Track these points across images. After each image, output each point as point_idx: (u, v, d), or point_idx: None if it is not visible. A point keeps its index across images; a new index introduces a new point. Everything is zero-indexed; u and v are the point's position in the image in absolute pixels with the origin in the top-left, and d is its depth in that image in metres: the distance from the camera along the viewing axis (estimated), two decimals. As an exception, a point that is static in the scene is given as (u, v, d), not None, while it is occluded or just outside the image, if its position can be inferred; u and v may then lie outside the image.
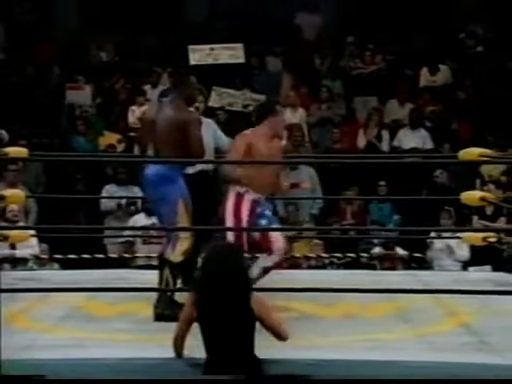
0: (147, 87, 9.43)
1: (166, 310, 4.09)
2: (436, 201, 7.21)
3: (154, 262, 7.11)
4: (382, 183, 7.91)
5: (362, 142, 8.94)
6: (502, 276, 5.41)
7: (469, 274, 5.43)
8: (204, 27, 10.22)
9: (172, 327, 3.42)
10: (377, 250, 7.57)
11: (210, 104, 9.19)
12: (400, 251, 7.47)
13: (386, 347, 3.72)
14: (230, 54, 9.30)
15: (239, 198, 4.35)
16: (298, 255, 7.35)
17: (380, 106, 9.29)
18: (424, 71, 9.41)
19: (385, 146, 8.82)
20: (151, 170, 4.25)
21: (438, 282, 5.10)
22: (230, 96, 9.16)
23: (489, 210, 7.19)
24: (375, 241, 7.64)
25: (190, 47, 9.39)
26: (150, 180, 4.26)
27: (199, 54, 9.41)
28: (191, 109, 4.45)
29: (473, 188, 6.40)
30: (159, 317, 4.10)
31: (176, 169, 4.23)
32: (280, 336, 3.16)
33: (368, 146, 8.80)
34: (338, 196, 8.19)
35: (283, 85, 9.61)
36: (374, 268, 7.27)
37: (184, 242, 4.19)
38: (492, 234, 5.55)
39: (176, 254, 4.18)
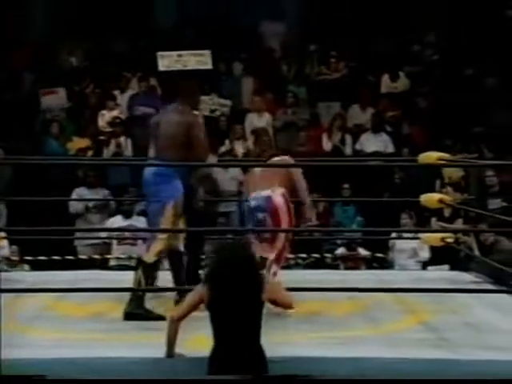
0: (117, 92, 9.41)
1: (136, 309, 4.12)
2: (397, 203, 7.31)
3: (128, 263, 7.13)
4: (346, 186, 7.98)
5: (326, 145, 9.02)
6: (458, 275, 5.51)
7: (427, 274, 5.52)
8: (173, 33, 10.23)
9: (143, 325, 3.44)
10: (340, 250, 7.64)
11: (179, 107, 9.24)
12: (362, 252, 7.55)
13: (348, 344, 3.77)
14: (198, 60, 9.31)
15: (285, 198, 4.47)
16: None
17: (343, 111, 9.38)
18: (385, 78, 9.53)
19: (348, 150, 8.91)
20: (150, 169, 4.31)
21: (398, 281, 5.17)
22: (197, 101, 9.18)
23: (447, 212, 7.31)
24: (339, 242, 7.71)
25: (159, 53, 9.38)
26: (147, 178, 4.31)
27: (168, 60, 9.40)
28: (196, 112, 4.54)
29: (432, 191, 6.50)
30: (128, 316, 4.12)
31: (174, 170, 4.26)
32: (290, 306, 3.35)
33: (333, 150, 8.89)
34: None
35: (245, 89, 9.66)
36: (337, 268, 7.33)
37: (159, 243, 4.21)
38: (450, 234, 5.67)
39: (150, 255, 4.20)
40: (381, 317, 4.33)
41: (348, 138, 9.01)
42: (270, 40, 10.37)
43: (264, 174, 4.53)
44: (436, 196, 5.67)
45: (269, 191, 4.45)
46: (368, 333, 4.03)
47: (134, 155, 8.55)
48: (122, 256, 7.39)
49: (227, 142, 8.90)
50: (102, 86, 9.46)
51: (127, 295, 4.24)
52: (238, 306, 3.13)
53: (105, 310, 4.33)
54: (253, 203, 4.46)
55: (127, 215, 7.78)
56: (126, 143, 8.84)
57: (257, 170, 4.63)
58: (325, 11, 10.25)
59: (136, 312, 4.11)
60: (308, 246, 7.61)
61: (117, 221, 7.69)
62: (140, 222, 7.70)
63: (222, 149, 8.75)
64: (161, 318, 4.06)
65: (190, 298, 3.28)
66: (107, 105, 9.09)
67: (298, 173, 4.56)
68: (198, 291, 3.25)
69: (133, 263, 7.30)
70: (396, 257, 7.08)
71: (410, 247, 6.99)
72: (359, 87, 9.45)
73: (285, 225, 4.44)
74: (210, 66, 9.43)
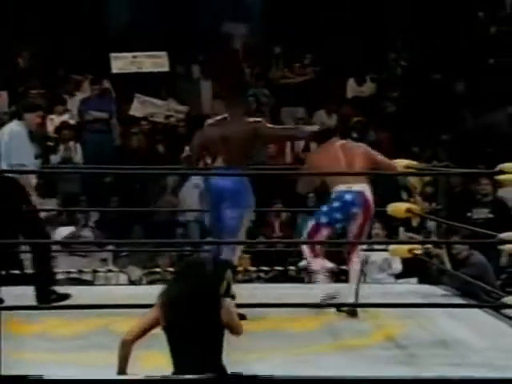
0: (67, 96, 9.34)
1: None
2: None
3: (79, 276, 7.07)
4: (311, 195, 8.02)
5: (290, 153, 9.06)
6: (427, 288, 5.57)
7: (396, 287, 5.57)
8: (127, 34, 10.18)
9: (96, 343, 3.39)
10: (304, 262, 7.65)
11: (132, 113, 9.18)
12: (328, 264, 7.55)
13: (312, 362, 3.79)
14: (154, 62, 9.31)
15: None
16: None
17: (307, 116, 9.43)
18: (351, 82, 9.61)
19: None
20: (226, 182, 4.64)
21: (366, 294, 5.20)
22: (152, 106, 9.16)
23: (415, 222, 7.38)
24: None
25: (112, 55, 9.35)
26: (227, 190, 4.65)
27: (122, 62, 9.37)
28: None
29: (400, 200, 6.56)
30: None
31: (249, 182, 4.69)
32: (238, 332, 3.30)
33: (296, 158, 8.93)
34: (266, 208, 8.28)
35: (202, 93, 9.66)
36: (301, 281, 7.35)
37: (239, 248, 4.78)
38: (418, 246, 5.73)
39: (236, 258, 4.68)
40: (346, 332, 4.37)
41: (313, 145, 9.04)
42: (232, 41, 10.39)
43: (347, 157, 4.89)
44: (404, 205, 5.73)
45: (361, 187, 4.78)
46: (333, 349, 4.06)
47: (85, 162, 8.48)
48: (73, 270, 7.33)
49: (187, 149, 8.88)
50: (51, 88, 9.39)
51: (78, 312, 4.21)
52: (197, 328, 3.12)
53: (51, 327, 4.30)
54: (348, 197, 4.77)
55: (78, 226, 7.73)
56: (76, 149, 8.77)
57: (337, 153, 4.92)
58: (290, 12, 10.31)
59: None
60: (271, 258, 7.64)
61: (64, 231, 7.62)
62: (90, 232, 7.65)
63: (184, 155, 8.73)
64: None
65: (145, 318, 3.25)
66: (56, 109, 9.02)
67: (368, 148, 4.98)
68: (154, 312, 3.22)
69: (87, 276, 7.28)
70: (367, 269, 7.12)
71: (381, 259, 7.02)
72: (325, 92, 9.52)
73: (368, 225, 4.88)
74: (166, 69, 9.44)
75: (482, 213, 7.22)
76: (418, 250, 5.65)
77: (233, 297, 4.64)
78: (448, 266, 5.99)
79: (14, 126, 5.22)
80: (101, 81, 9.28)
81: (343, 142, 5.09)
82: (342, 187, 4.80)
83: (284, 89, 9.75)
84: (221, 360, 3.18)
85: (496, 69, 9.46)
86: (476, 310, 4.76)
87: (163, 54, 9.35)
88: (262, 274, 7.49)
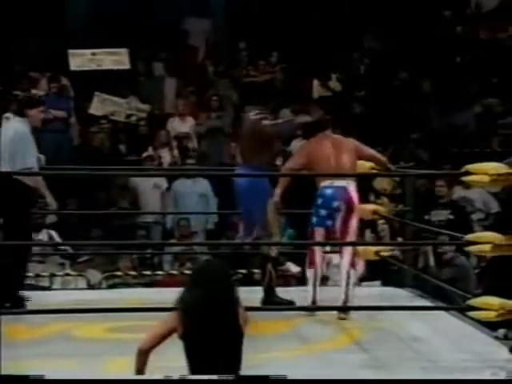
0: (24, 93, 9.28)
1: (272, 297, 4.96)
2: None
3: (34, 282, 7.05)
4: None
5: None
6: (390, 291, 5.68)
7: (359, 290, 5.66)
8: (85, 30, 10.14)
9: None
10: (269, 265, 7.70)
11: (91, 111, 9.16)
12: (292, 267, 7.63)
13: (279, 366, 3.86)
14: (114, 59, 9.30)
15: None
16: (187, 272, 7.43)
17: (272, 115, 9.47)
18: (316, 82, 9.66)
19: (278, 161, 8.98)
20: (247, 179, 5.09)
21: (330, 298, 5.28)
22: (113, 104, 9.14)
23: (381, 224, 7.49)
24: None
25: (70, 51, 9.30)
26: (242, 184, 5.06)
27: (80, 59, 9.34)
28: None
29: (367, 201, 6.65)
30: (266, 303, 4.93)
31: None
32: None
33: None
34: (231, 210, 8.32)
35: (167, 92, 9.67)
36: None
37: (276, 238, 5.07)
38: (384, 248, 5.84)
39: (273, 250, 5.03)
40: (313, 336, 4.44)
41: (278, 146, 9.10)
42: (193, 38, 10.41)
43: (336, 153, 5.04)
44: (370, 207, 5.83)
45: (344, 182, 4.93)
46: (299, 353, 4.13)
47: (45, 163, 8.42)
48: (30, 274, 7.30)
49: (150, 149, 8.90)
50: (7, 86, 9.33)
51: (37, 318, 4.23)
52: (217, 337, 3.07)
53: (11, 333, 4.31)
54: (328, 191, 4.97)
55: (36, 229, 7.69)
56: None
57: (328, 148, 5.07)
58: (255, 7, 10.35)
59: (272, 299, 4.93)
60: (235, 260, 7.68)
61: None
62: (47, 235, 7.62)
63: (144, 155, 8.75)
64: (291, 302, 4.95)
65: (160, 326, 3.16)
66: (11, 107, 8.95)
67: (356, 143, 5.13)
68: (170, 319, 3.14)
69: (46, 282, 7.25)
70: (330, 272, 7.21)
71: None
72: (290, 91, 9.58)
73: (354, 221, 4.95)
74: (127, 66, 9.44)
75: (442, 214, 7.39)
76: (385, 252, 5.76)
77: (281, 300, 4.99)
78: (432, 263, 6.11)
79: (18, 125, 5.13)
80: (59, 78, 9.25)
81: (334, 136, 5.22)
82: (325, 183, 4.98)
83: (248, 87, 9.79)
84: (240, 367, 3.13)
85: (462, 68, 9.62)
86: (442, 313, 4.87)
87: (123, 50, 9.33)
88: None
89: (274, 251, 5.12)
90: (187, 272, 6.63)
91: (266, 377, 3.03)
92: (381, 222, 7.29)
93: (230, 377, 2.98)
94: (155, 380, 3.01)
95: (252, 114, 5.25)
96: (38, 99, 5.38)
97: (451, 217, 7.36)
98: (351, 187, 4.97)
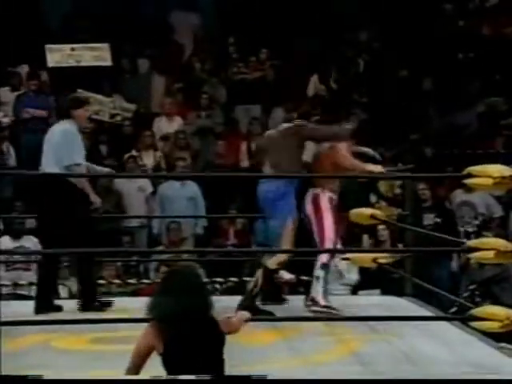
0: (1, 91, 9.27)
1: (251, 304, 5.05)
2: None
3: (18, 291, 7.03)
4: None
5: (245, 155, 9.11)
6: (390, 300, 5.69)
7: (357, 299, 5.68)
8: (64, 25, 10.10)
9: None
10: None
11: (73, 110, 9.13)
12: (286, 275, 7.62)
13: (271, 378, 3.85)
14: (95, 55, 9.25)
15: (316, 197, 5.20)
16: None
17: (263, 115, 9.49)
18: (314, 79, 9.66)
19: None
20: (268, 185, 5.14)
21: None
22: (96, 103, 9.11)
23: (380, 229, 7.50)
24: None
25: (47, 47, 9.25)
26: (266, 195, 5.16)
27: (59, 55, 9.29)
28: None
29: (367, 205, 6.65)
30: (245, 308, 4.79)
31: (291, 185, 5.09)
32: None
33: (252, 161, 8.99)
34: (221, 214, 8.33)
35: (154, 90, 9.66)
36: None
37: (283, 255, 5.13)
38: (383, 254, 5.84)
39: (273, 262, 5.10)
40: (307, 347, 4.45)
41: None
42: (181, 33, 10.41)
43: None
44: (367, 211, 5.84)
45: (319, 190, 5.19)
46: (293, 365, 4.13)
47: (19, 165, 8.41)
48: (8, 283, 7.28)
49: (134, 151, 8.89)
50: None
51: (16, 328, 4.22)
52: (199, 347, 3.07)
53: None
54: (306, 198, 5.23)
55: (16, 235, 7.67)
56: (10, 151, 8.69)
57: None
58: (245, 1, 10.35)
59: (249, 305, 4.96)
60: (226, 268, 7.69)
61: (4, 242, 7.57)
62: (31, 242, 7.60)
63: (127, 155, 8.74)
64: (270, 313, 5.00)
65: (137, 347, 3.14)
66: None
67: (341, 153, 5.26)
68: (146, 336, 3.12)
69: (24, 291, 7.24)
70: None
71: (336, 269, 7.13)
72: (283, 88, 9.58)
73: (327, 228, 5.16)
74: (108, 63, 9.39)
75: (428, 218, 7.44)
76: (383, 259, 5.76)
77: (266, 313, 5.02)
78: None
79: (64, 127, 5.40)
80: (38, 75, 9.22)
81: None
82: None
83: (239, 85, 9.80)
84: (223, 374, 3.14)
85: (464, 65, 9.65)
86: (443, 322, 4.89)
87: (105, 46, 9.28)
88: (216, 286, 7.54)
89: (273, 264, 5.15)
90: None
91: (248, 376, 3.10)
92: (381, 227, 7.31)
93: (214, 377, 3.01)
94: (155, 380, 3.03)
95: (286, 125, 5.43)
96: (82, 99, 5.64)
97: (438, 220, 7.42)
98: (324, 196, 5.22)
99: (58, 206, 5.23)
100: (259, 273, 5.16)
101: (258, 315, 4.89)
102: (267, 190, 5.18)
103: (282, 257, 5.18)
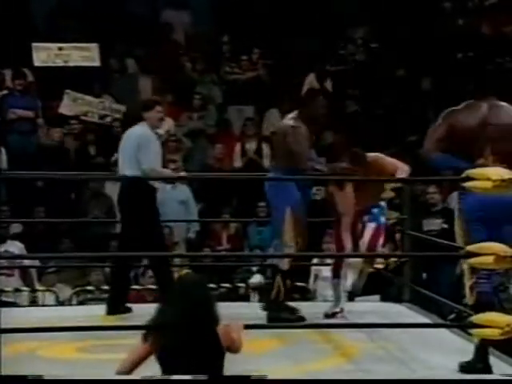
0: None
1: (281, 313, 5.07)
2: (319, 223, 7.46)
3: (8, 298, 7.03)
4: (262, 204, 8.10)
5: (239, 157, 9.12)
6: (389, 307, 5.71)
7: (355, 306, 5.68)
8: (51, 24, 10.08)
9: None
10: (255, 278, 7.72)
11: (61, 111, 9.14)
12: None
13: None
14: (83, 55, 9.26)
15: None
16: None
17: (257, 116, 9.50)
18: (311, 78, 9.65)
19: (266, 162, 9.01)
20: (271, 184, 5.26)
21: (320, 314, 5.32)
22: (85, 103, 9.12)
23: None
24: (254, 269, 7.81)
25: (34, 45, 9.25)
26: (266, 189, 5.25)
27: (46, 54, 9.29)
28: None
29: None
30: (272, 320, 5.03)
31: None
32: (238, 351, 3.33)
33: (247, 163, 9.00)
34: (213, 218, 8.34)
35: (142, 90, 9.66)
36: (249, 299, 7.40)
37: (290, 251, 5.15)
38: (380, 260, 5.86)
39: (284, 262, 5.14)
40: (305, 355, 4.46)
41: (266, 149, 9.11)
42: (172, 32, 10.42)
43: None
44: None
45: None
46: (290, 373, 4.14)
47: (10, 168, 8.39)
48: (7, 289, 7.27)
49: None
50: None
51: (8, 336, 4.21)
52: (196, 355, 3.09)
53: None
54: None
55: (0, 240, 7.67)
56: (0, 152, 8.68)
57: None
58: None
59: (280, 316, 5.06)
60: (218, 273, 7.70)
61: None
62: (15, 246, 7.60)
63: (114, 157, 8.73)
64: (302, 318, 5.11)
65: (135, 351, 3.19)
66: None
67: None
68: (142, 344, 3.17)
69: (10, 298, 7.23)
70: (318, 286, 7.22)
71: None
72: (278, 89, 9.59)
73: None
74: (97, 63, 9.40)
75: (435, 224, 7.43)
76: (380, 264, 5.78)
77: (293, 310, 5.13)
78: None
79: (140, 130, 5.61)
80: (24, 74, 9.21)
81: None
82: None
83: (232, 85, 9.81)
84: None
85: (465, 64, 9.68)
86: (442, 330, 4.90)
87: (93, 46, 9.29)
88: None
89: (285, 264, 5.17)
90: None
91: (247, 377, 3.13)
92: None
93: (214, 377, 3.04)
94: (154, 380, 3.05)
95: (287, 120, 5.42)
96: (153, 101, 5.84)
97: (445, 226, 7.42)
98: None
99: (135, 210, 5.48)
100: (278, 279, 5.18)
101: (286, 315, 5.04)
102: (268, 184, 5.29)
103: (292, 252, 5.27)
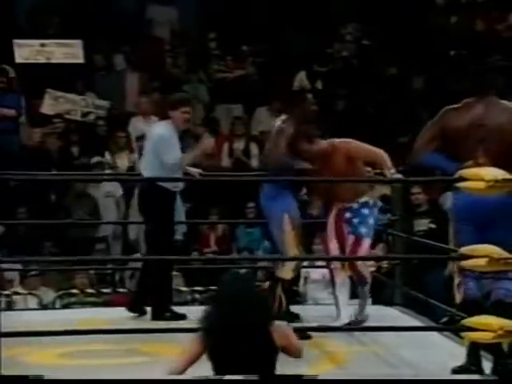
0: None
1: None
2: (309, 225, 7.47)
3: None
4: (251, 205, 8.11)
5: (226, 157, 9.12)
6: (380, 309, 5.71)
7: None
8: (33, 19, 10.04)
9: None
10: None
11: (43, 111, 9.11)
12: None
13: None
14: (66, 51, 9.23)
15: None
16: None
17: (245, 115, 9.50)
18: (301, 76, 9.65)
19: (254, 162, 9.02)
20: (264, 189, 5.21)
21: (311, 317, 5.32)
22: (67, 102, 9.10)
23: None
24: (243, 271, 7.81)
25: (15, 42, 9.22)
26: (261, 199, 5.21)
27: (27, 51, 9.26)
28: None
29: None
30: None
31: (283, 186, 5.10)
32: (300, 355, 3.31)
33: (235, 163, 9.00)
34: (200, 219, 8.33)
35: (128, 88, 9.65)
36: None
37: (292, 263, 5.07)
38: (371, 262, 5.87)
39: (286, 271, 5.04)
40: (292, 361, 4.45)
41: (254, 148, 9.12)
42: (158, 28, 10.41)
43: None
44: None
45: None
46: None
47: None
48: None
49: (106, 153, 8.87)
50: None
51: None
52: (245, 355, 3.10)
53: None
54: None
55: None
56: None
57: None
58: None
59: None
60: (207, 277, 7.70)
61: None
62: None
63: (94, 159, 8.71)
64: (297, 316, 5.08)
65: (188, 350, 3.20)
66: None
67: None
68: (195, 343, 3.19)
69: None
70: (308, 289, 7.23)
71: (322, 277, 7.15)
72: (267, 87, 9.59)
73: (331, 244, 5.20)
74: (80, 60, 9.37)
75: (421, 224, 7.46)
76: (372, 266, 5.79)
77: (296, 316, 5.11)
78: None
79: (163, 129, 5.57)
80: (6, 72, 9.18)
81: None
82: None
83: (220, 83, 9.81)
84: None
85: (458, 62, 9.70)
86: (434, 333, 4.91)
87: (77, 42, 9.27)
88: (196, 295, 7.54)
89: (288, 273, 5.09)
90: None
91: (299, 376, 3.20)
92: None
93: (266, 376, 3.07)
94: (207, 380, 3.07)
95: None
96: (179, 100, 5.71)
97: (433, 226, 7.44)
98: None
99: (156, 211, 5.50)
100: (278, 288, 5.09)
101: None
102: (261, 194, 5.23)
103: (292, 262, 5.17)
